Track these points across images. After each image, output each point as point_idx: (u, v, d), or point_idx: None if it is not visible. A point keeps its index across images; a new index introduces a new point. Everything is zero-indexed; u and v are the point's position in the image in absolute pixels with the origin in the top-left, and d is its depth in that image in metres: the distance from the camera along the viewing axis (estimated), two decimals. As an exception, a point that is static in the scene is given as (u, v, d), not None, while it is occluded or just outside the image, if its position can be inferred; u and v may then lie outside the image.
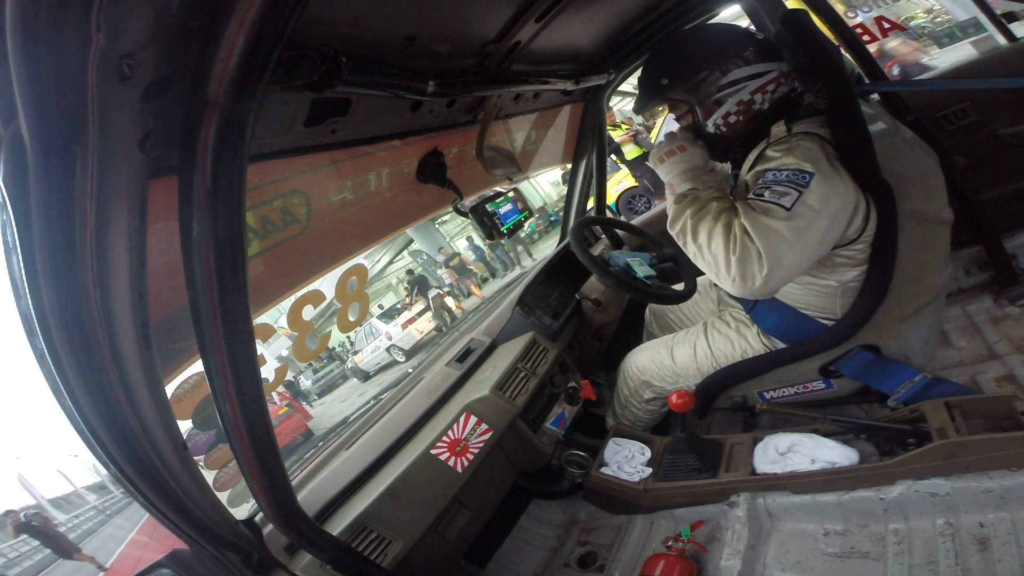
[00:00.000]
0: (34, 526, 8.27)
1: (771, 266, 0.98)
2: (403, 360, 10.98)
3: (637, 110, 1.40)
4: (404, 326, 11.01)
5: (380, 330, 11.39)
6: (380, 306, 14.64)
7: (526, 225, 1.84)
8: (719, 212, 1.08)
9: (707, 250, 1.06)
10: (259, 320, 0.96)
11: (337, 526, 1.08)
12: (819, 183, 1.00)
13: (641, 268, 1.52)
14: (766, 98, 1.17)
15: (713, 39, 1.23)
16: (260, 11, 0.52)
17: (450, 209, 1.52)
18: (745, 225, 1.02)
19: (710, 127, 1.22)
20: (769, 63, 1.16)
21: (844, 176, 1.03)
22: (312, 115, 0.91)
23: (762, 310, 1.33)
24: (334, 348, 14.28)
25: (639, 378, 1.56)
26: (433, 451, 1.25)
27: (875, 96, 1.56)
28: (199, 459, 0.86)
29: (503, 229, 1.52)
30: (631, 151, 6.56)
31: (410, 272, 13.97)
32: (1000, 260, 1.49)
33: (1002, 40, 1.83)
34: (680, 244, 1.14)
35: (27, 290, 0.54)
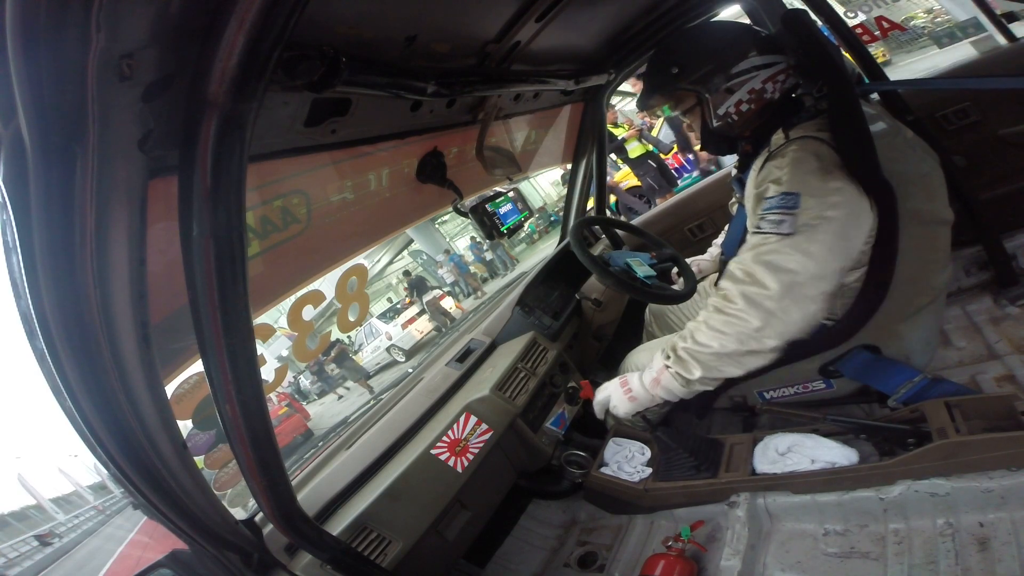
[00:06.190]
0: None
1: (784, 282, 1.02)
2: (403, 360, 10.98)
3: (641, 106, 1.40)
4: (404, 326, 11.03)
5: (380, 330, 11.40)
6: (389, 299, 14.63)
7: (526, 225, 1.85)
8: (683, 328, 1.18)
9: (719, 333, 1.09)
10: (259, 320, 0.96)
11: (337, 526, 1.08)
12: (806, 200, 1.03)
13: (641, 268, 1.52)
14: (777, 87, 1.19)
15: (721, 32, 1.25)
16: (260, 11, 0.52)
17: (450, 209, 1.52)
18: (744, 263, 1.08)
19: (719, 117, 1.23)
20: (775, 55, 1.19)
21: (840, 184, 1.04)
22: (312, 115, 0.91)
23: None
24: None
25: (639, 378, 1.56)
26: (433, 451, 1.25)
27: (875, 96, 1.56)
28: (199, 459, 0.86)
29: (503, 229, 1.52)
30: (634, 149, 6.52)
31: (407, 273, 13.94)
32: (1000, 260, 1.48)
33: (1002, 40, 1.83)
34: (721, 370, 1.14)
35: (27, 290, 0.54)
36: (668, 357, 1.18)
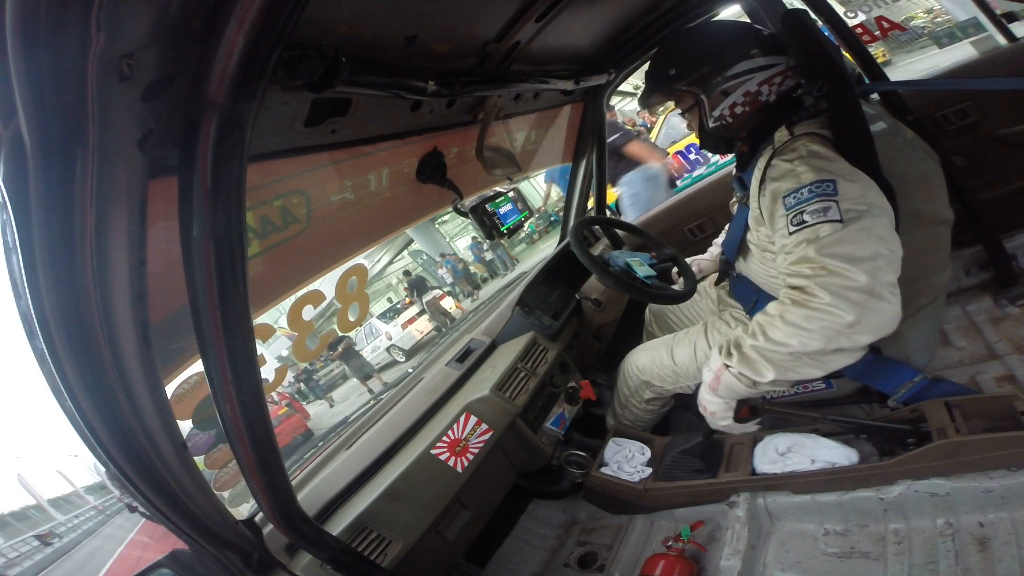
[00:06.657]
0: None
1: (869, 271, 0.89)
2: (403, 360, 10.98)
3: (642, 104, 1.40)
4: (404, 326, 11.02)
5: (380, 330, 11.40)
6: (389, 299, 14.62)
7: (526, 225, 1.84)
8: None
9: (800, 329, 0.93)
10: (259, 320, 0.96)
11: (337, 526, 1.08)
12: (845, 185, 0.97)
13: (641, 268, 1.52)
14: (772, 90, 1.17)
15: (720, 33, 1.24)
16: (260, 11, 0.52)
17: (450, 209, 1.52)
18: (811, 259, 0.94)
19: (715, 118, 1.23)
20: (776, 56, 1.17)
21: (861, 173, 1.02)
22: (312, 115, 0.91)
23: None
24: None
25: (639, 378, 1.56)
26: (433, 451, 1.25)
27: (875, 96, 1.56)
28: (199, 459, 0.86)
29: (503, 229, 1.52)
30: None
31: (407, 273, 13.89)
32: (1000, 260, 1.49)
33: (1002, 40, 1.83)
34: (799, 371, 0.98)
35: (27, 290, 0.54)
36: (730, 355, 1.03)
